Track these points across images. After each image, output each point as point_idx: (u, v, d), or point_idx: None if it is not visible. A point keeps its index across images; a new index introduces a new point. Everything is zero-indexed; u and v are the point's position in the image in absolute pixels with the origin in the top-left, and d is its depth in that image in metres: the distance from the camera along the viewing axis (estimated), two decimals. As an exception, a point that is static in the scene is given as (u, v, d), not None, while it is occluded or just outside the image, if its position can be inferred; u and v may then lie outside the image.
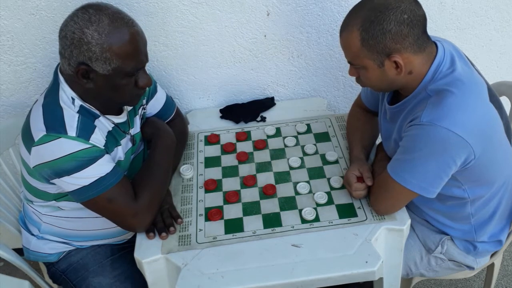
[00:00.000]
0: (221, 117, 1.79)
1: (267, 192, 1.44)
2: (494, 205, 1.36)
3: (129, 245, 1.46)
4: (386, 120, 1.41)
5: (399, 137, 1.29)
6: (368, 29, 1.17)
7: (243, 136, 1.67)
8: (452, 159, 1.17)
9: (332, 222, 1.33)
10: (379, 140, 1.58)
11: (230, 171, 1.53)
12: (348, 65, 1.31)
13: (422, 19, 1.18)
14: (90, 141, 1.21)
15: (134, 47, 1.20)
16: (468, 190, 1.29)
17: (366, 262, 1.21)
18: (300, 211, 1.37)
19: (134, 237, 1.35)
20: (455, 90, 1.17)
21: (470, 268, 1.46)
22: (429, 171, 1.20)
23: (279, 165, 1.54)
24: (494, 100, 1.25)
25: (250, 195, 1.44)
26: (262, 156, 1.59)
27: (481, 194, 1.31)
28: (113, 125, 1.33)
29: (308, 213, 1.35)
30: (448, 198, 1.32)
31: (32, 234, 1.45)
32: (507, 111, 1.58)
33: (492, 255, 1.49)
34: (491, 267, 1.57)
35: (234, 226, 1.34)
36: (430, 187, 1.22)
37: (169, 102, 1.59)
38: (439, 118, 1.14)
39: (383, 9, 1.16)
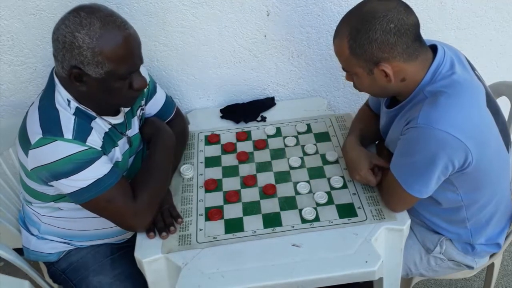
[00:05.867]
0: (222, 117, 1.79)
1: (267, 192, 1.44)
2: (491, 211, 1.35)
3: (129, 244, 1.46)
4: (385, 123, 1.40)
5: (398, 138, 1.29)
6: (355, 38, 1.17)
7: (243, 136, 1.67)
8: (451, 160, 1.17)
9: (332, 222, 1.33)
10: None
11: (230, 171, 1.53)
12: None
13: (412, 28, 1.16)
14: (86, 143, 1.21)
15: (127, 50, 1.18)
16: (462, 195, 1.29)
17: (366, 261, 1.21)
18: (300, 211, 1.37)
19: (134, 237, 1.35)
20: (450, 91, 1.16)
21: (470, 267, 1.46)
22: (426, 174, 1.20)
23: (279, 165, 1.54)
24: (491, 105, 1.24)
25: (250, 195, 1.44)
26: (262, 156, 1.59)
27: (475, 200, 1.31)
28: (110, 126, 1.32)
29: (308, 213, 1.35)
30: (443, 202, 1.33)
31: (32, 234, 1.45)
32: (507, 111, 1.58)
33: (491, 256, 1.49)
34: (491, 267, 1.57)
35: (234, 226, 1.34)
36: (425, 188, 1.23)
37: (169, 102, 1.59)
38: (436, 120, 1.13)
39: (370, 18, 1.15)
